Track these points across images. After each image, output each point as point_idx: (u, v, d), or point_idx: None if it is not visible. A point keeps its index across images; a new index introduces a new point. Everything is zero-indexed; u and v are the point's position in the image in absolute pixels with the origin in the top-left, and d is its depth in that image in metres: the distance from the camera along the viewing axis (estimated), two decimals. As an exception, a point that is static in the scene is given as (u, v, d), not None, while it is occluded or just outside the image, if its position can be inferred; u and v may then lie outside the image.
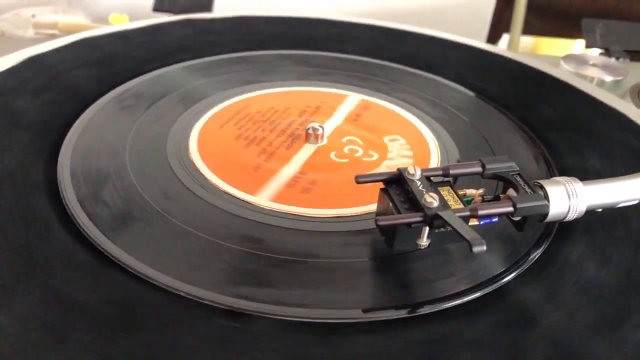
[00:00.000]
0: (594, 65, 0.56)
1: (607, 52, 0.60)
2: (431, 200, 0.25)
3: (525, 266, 0.28)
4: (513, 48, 0.78)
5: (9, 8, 0.61)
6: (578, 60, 0.57)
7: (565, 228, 0.30)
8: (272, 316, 0.24)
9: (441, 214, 0.24)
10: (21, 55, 0.43)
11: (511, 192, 0.27)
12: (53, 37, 0.56)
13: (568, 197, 0.27)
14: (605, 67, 0.55)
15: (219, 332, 0.23)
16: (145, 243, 0.27)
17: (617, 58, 0.59)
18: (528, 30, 0.83)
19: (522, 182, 0.27)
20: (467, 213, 0.25)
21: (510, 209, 0.25)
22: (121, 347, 0.22)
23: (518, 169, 0.28)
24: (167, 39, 0.51)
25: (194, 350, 0.22)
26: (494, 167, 0.28)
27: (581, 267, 0.28)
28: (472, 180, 0.30)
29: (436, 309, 0.25)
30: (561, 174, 0.29)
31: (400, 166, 0.27)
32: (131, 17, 0.62)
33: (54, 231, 0.28)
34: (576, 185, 0.27)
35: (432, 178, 0.27)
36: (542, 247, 0.29)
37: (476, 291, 0.26)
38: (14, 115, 0.36)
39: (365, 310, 0.25)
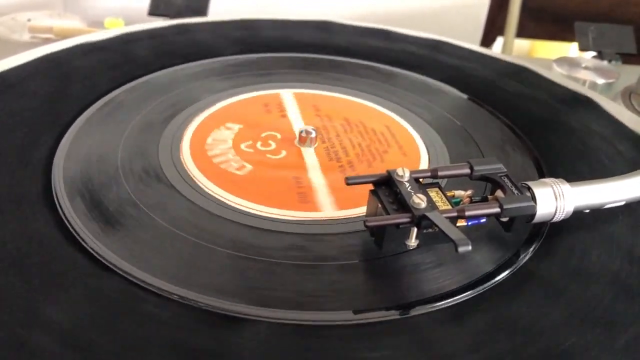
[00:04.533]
0: (586, 68, 0.56)
1: (600, 55, 0.60)
2: (419, 201, 0.25)
3: (517, 265, 0.28)
4: (507, 51, 0.78)
5: (5, 12, 0.62)
6: (570, 63, 0.57)
7: (555, 228, 0.30)
8: (261, 319, 0.24)
9: (429, 214, 0.24)
10: (19, 59, 0.43)
11: (499, 193, 0.28)
12: (49, 41, 0.56)
13: (555, 198, 0.27)
14: (597, 70, 0.56)
15: (208, 335, 0.23)
16: (137, 246, 0.28)
17: (609, 61, 0.59)
18: (522, 33, 0.83)
19: (509, 184, 0.27)
20: (455, 214, 0.25)
21: (498, 209, 0.26)
22: (112, 347, 0.22)
23: (506, 170, 0.28)
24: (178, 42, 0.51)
25: (185, 352, 0.22)
26: (482, 168, 0.28)
27: (570, 269, 0.28)
28: (461, 182, 0.30)
29: (426, 310, 0.25)
30: (551, 176, 0.29)
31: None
32: (126, 21, 0.62)
33: (47, 234, 0.28)
34: (563, 187, 0.28)
35: (421, 180, 0.28)
36: (532, 247, 0.29)
37: (465, 291, 0.26)
38: (9, 119, 0.36)
39: (355, 312, 0.25)
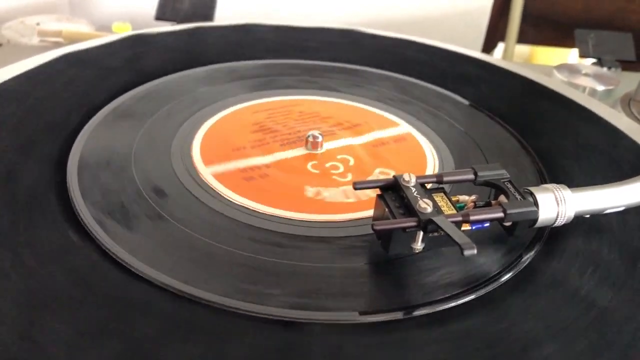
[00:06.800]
0: (586, 74, 0.57)
1: (599, 62, 0.61)
2: (425, 205, 0.26)
3: (520, 268, 0.29)
4: (508, 57, 0.79)
5: (14, 16, 0.63)
6: (571, 69, 0.58)
7: (556, 232, 0.31)
8: (268, 317, 0.25)
9: (434, 219, 0.25)
10: (33, 61, 0.44)
11: (502, 198, 0.28)
12: (57, 45, 0.57)
13: (557, 204, 0.28)
14: (597, 77, 0.57)
15: (214, 333, 0.24)
16: (148, 244, 0.28)
17: (609, 68, 0.60)
18: (523, 39, 0.84)
19: (512, 189, 0.28)
20: (460, 218, 0.26)
21: (501, 214, 0.26)
22: (117, 346, 0.23)
23: (509, 176, 0.29)
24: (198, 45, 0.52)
25: (189, 350, 0.23)
26: (486, 174, 0.29)
27: (569, 274, 0.29)
28: (466, 187, 0.31)
29: (430, 311, 0.26)
30: (552, 182, 0.30)
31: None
32: (134, 25, 0.63)
33: (62, 231, 0.28)
34: (565, 192, 0.28)
35: (426, 185, 0.28)
36: (534, 251, 0.30)
37: (469, 294, 0.27)
38: (27, 117, 0.37)
39: (361, 313, 0.26)
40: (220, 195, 0.33)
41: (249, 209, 0.32)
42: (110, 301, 0.25)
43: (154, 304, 0.25)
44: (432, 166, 0.37)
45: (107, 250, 0.27)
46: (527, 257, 0.29)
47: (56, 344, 0.22)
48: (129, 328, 0.23)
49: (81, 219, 0.29)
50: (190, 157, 0.36)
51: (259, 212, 0.31)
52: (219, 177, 0.34)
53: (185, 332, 0.24)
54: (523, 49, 1.03)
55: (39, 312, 0.24)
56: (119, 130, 0.38)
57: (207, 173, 0.34)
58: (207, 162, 0.35)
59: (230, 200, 0.32)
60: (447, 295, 0.26)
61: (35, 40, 0.59)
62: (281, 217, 0.31)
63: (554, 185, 0.29)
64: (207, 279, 0.26)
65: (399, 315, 0.26)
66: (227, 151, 0.37)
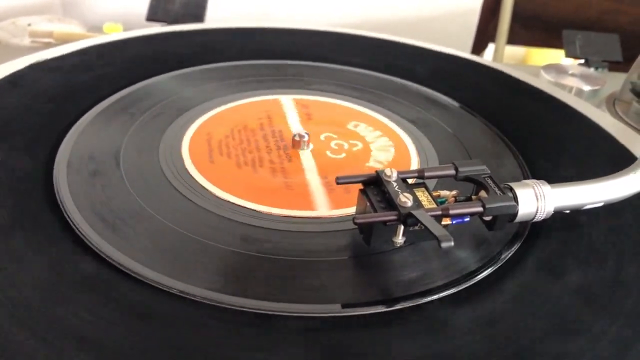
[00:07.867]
0: (573, 75, 0.57)
1: (587, 63, 0.62)
2: (405, 200, 0.26)
3: (499, 264, 0.29)
4: (498, 58, 0.79)
5: (6, 17, 0.63)
6: (558, 70, 0.59)
7: (537, 227, 0.31)
8: (254, 311, 0.25)
9: (414, 212, 0.26)
10: (22, 62, 0.44)
11: (482, 193, 0.29)
12: (49, 45, 0.57)
13: (536, 199, 0.28)
14: (583, 77, 0.57)
15: (205, 328, 0.24)
16: (138, 243, 0.29)
17: (596, 68, 0.61)
18: (513, 40, 0.85)
19: (492, 184, 0.29)
20: (439, 212, 0.26)
21: (480, 209, 0.27)
22: (114, 344, 0.23)
23: (489, 172, 0.29)
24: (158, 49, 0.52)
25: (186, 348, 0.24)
26: (467, 170, 0.29)
27: (550, 268, 0.29)
28: (449, 183, 0.31)
29: (410, 305, 0.26)
30: (535, 179, 0.30)
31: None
32: (125, 26, 0.63)
33: (52, 235, 0.29)
34: (544, 188, 0.29)
35: (409, 180, 0.29)
36: (515, 246, 0.30)
37: (451, 287, 0.27)
38: (15, 119, 0.38)
39: (344, 306, 0.26)
40: (208, 192, 0.33)
41: (235, 204, 0.32)
42: (105, 298, 0.25)
43: (145, 301, 0.25)
44: (416, 164, 0.38)
45: (96, 250, 0.28)
46: (508, 253, 0.30)
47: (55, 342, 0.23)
48: (122, 325, 0.24)
49: (71, 222, 0.29)
50: (179, 154, 0.36)
51: (246, 208, 0.32)
52: (337, 206, 0.33)
53: (179, 329, 0.24)
54: (517, 50, 1.03)
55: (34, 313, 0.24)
56: (108, 130, 0.38)
57: (194, 171, 0.35)
58: (195, 160, 0.36)
59: (218, 197, 0.33)
60: (426, 289, 0.27)
61: (26, 41, 0.59)
62: (267, 213, 0.32)
63: (534, 180, 0.29)
64: (197, 274, 0.27)
65: (380, 308, 0.26)
66: (286, 193, 0.34)
